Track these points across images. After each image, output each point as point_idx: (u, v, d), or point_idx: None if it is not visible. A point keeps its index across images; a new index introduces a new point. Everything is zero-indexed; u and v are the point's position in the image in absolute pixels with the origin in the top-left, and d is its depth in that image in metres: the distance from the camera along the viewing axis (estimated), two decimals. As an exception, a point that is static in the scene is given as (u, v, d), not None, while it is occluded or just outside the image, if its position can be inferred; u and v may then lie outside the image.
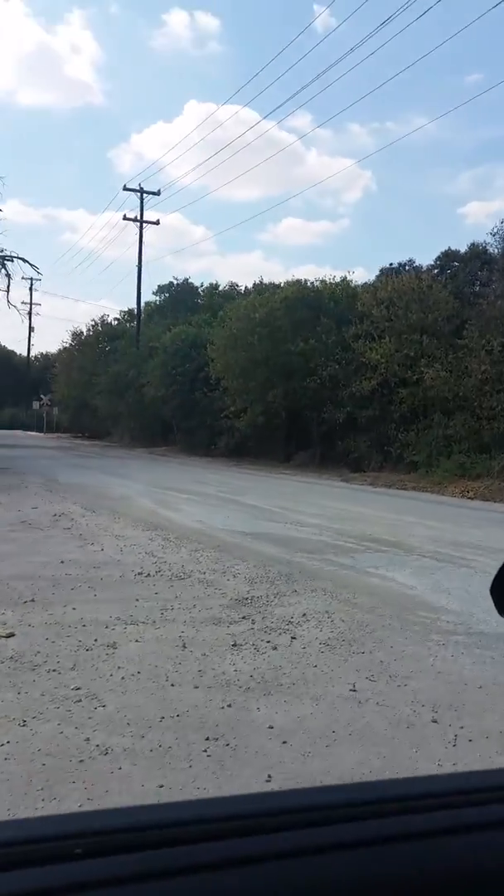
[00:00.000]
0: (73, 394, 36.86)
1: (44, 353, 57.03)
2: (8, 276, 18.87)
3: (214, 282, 37.22)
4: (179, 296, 35.82)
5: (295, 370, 18.11)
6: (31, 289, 53.01)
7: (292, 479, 15.87)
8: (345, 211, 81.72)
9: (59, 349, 41.41)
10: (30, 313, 52.96)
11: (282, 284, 18.84)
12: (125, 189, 32.41)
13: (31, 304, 52.94)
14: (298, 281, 18.81)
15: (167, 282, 37.25)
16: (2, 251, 18.73)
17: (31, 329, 56.64)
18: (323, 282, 18.90)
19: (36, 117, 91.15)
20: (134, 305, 32.61)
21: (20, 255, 18.70)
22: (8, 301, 18.59)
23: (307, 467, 19.44)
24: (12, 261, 18.90)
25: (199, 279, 59.63)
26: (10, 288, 22.08)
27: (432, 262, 19.71)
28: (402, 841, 0.53)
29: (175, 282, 35.90)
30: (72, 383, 36.45)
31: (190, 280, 37.31)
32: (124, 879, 0.46)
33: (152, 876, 0.46)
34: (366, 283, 18.25)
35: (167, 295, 37.38)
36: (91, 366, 33.44)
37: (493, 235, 17.41)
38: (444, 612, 4.57)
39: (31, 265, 19.97)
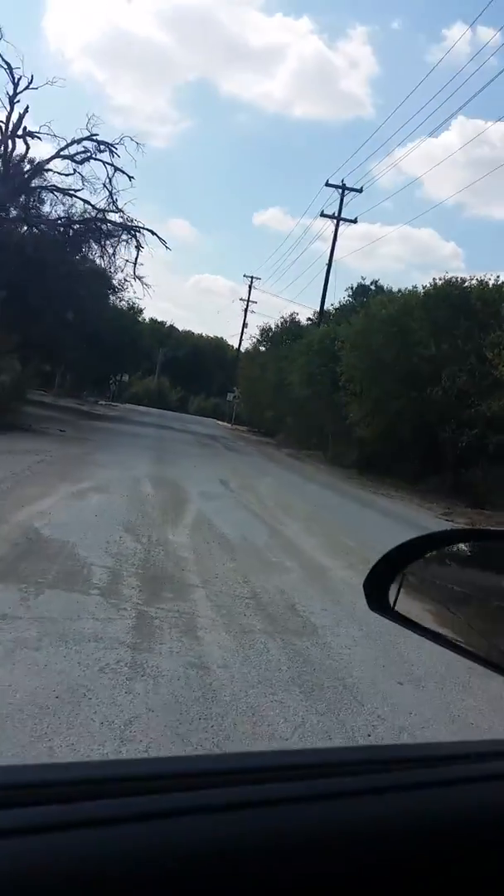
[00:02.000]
0: (253, 388, 37.34)
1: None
2: (138, 247, 19.41)
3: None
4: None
5: (424, 378, 15.55)
6: (250, 286, 55.50)
7: (392, 506, 13.59)
8: None
9: (250, 346, 42.30)
10: (245, 309, 55.45)
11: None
12: (327, 185, 31.68)
13: (248, 300, 55.40)
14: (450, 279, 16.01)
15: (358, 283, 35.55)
16: (132, 221, 19.18)
17: (244, 325, 59.19)
18: (479, 280, 15.84)
19: (306, 128, 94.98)
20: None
21: (149, 228, 19.33)
22: (134, 274, 19.19)
23: (436, 494, 16.72)
24: (141, 232, 19.38)
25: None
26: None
27: None
28: (403, 790, 0.55)
29: (363, 282, 33.99)
30: (253, 379, 36.92)
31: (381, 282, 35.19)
32: (120, 820, 0.46)
33: (152, 816, 0.47)
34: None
35: (364, 299, 35.72)
36: (272, 363, 33.42)
37: None
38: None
39: (159, 238, 20.25)
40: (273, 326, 37.96)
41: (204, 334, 71.41)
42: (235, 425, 42.71)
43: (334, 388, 20.57)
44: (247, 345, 54.11)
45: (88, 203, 18.97)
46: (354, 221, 32.51)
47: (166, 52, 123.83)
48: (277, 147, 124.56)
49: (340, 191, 31.73)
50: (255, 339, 40.43)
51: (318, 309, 33.82)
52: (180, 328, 71.14)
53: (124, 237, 19.44)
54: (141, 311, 36.92)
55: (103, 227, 19.33)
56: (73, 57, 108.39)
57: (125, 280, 22.00)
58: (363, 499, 13.05)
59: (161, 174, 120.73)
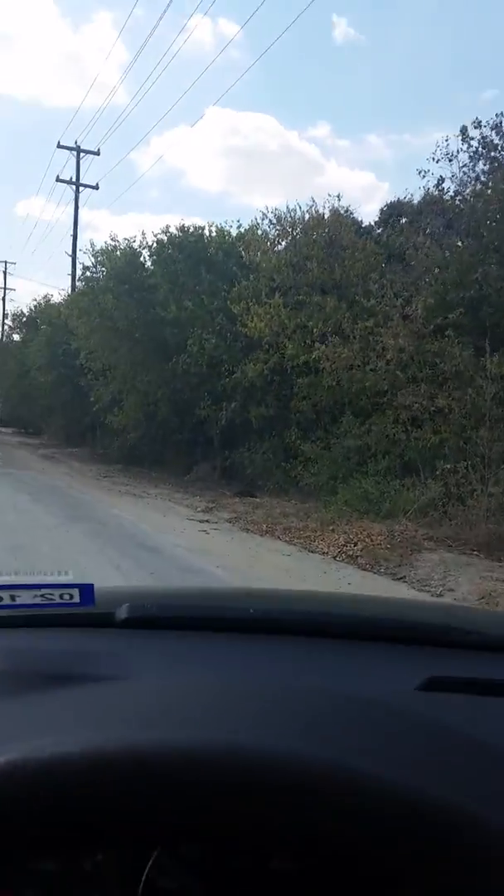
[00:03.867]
0: (8, 384, 32.32)
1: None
2: None
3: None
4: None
5: (170, 346, 12.84)
6: (4, 272, 49.08)
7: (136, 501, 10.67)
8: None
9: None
10: (3, 298, 48.93)
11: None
12: (59, 147, 27.66)
13: (4, 288, 48.94)
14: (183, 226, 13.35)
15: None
16: None
17: (4, 316, 52.54)
18: (218, 229, 13.41)
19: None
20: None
21: None
22: None
23: (204, 484, 14.23)
24: None
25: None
26: None
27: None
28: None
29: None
30: (8, 373, 31.89)
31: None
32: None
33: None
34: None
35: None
36: (19, 351, 28.86)
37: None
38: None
39: None
40: (26, 311, 33.15)
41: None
42: (1, 429, 37.14)
43: (81, 371, 17.15)
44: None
45: None
46: (95, 187, 28.92)
47: None
48: (31, 136, 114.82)
49: (76, 153, 27.91)
50: (9, 329, 35.21)
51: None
52: None
53: None
54: None
55: None
56: None
57: None
58: (95, 505, 10.00)
59: None
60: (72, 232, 27.65)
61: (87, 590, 0.78)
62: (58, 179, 27.95)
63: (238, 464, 13.12)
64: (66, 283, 23.26)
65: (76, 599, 0.78)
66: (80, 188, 27.95)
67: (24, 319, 32.69)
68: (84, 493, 11.37)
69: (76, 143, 27.60)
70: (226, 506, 10.94)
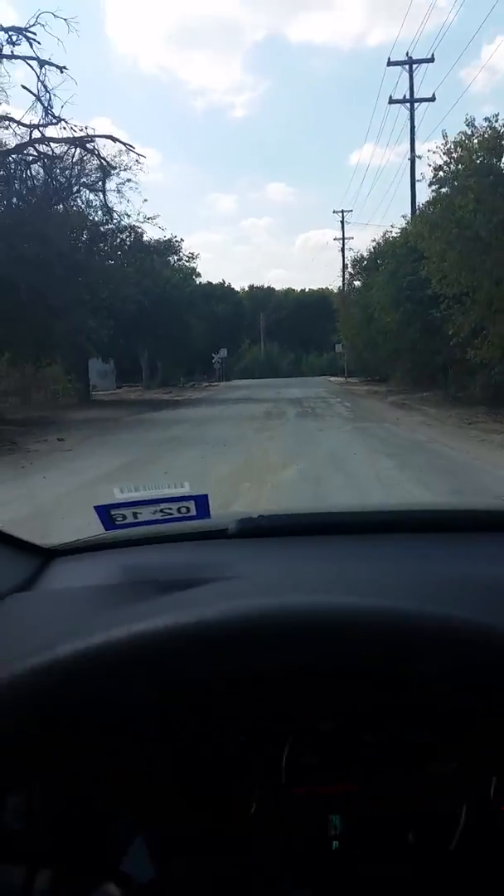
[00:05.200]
0: (354, 334, 31.92)
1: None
2: (104, 168, 14.49)
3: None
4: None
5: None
6: (342, 221, 49.22)
7: None
8: None
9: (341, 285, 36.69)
10: (342, 248, 49.17)
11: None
12: (389, 65, 25.14)
13: (343, 238, 49.12)
14: None
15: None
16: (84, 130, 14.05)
17: (344, 266, 52.83)
18: None
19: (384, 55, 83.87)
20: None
21: (106, 135, 13.83)
22: (106, 203, 14.09)
23: None
24: (94, 144, 14.07)
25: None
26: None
27: None
28: None
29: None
30: (351, 321, 31.48)
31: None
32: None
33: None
34: None
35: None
36: (371, 295, 27.80)
37: None
38: None
39: (125, 145, 14.71)
40: (365, 255, 32.05)
41: (307, 289, 66.00)
42: (348, 378, 37.44)
43: (431, 302, 14.93)
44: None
45: (13, 121, 13.05)
46: (432, 99, 25.63)
47: (231, 20, 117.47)
48: (360, 81, 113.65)
49: (408, 67, 25.06)
50: (349, 275, 34.69)
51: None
52: (296, 289, 66.18)
53: (90, 168, 14.45)
54: (192, 272, 32.31)
55: (45, 148, 13.67)
56: (141, 52, 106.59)
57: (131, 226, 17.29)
58: (476, 468, 7.78)
59: (249, 143, 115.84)
60: (408, 156, 25.26)
61: (202, 501, 0.81)
62: (391, 101, 25.71)
63: None
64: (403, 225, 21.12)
65: (192, 512, 0.82)
66: (415, 105, 25.17)
67: (365, 263, 31.69)
68: (453, 448, 9.27)
69: (408, 54, 24.81)
70: None
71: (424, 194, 22.69)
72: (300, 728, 0.56)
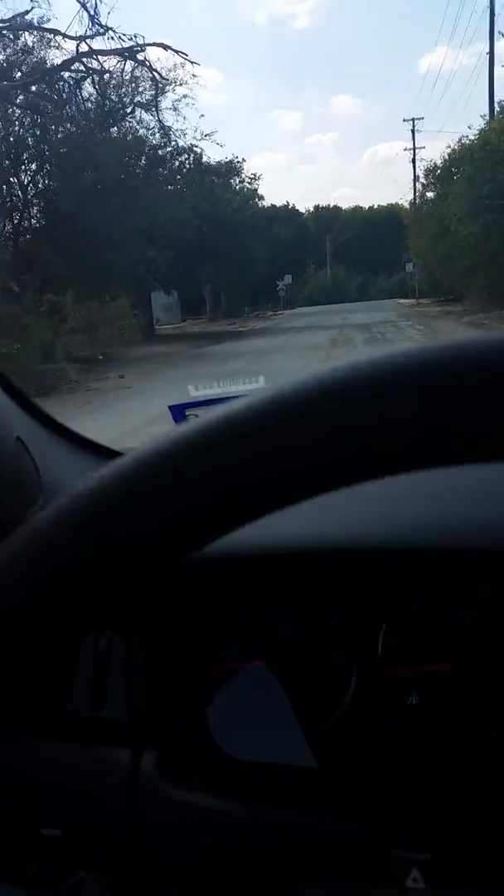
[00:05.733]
0: (427, 250, 29.95)
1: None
2: (157, 81, 13.10)
3: None
4: None
5: None
6: (413, 130, 45.76)
7: None
8: None
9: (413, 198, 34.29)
10: (413, 160, 45.78)
11: None
12: None
13: (413, 148, 45.73)
14: None
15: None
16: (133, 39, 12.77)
17: (415, 178, 49.26)
18: None
19: None
20: None
21: (156, 42, 12.45)
22: (158, 118, 12.71)
23: None
24: (144, 54, 12.59)
25: None
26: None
27: None
28: None
29: None
30: (424, 237, 29.48)
31: None
32: None
33: None
34: None
35: None
36: (446, 206, 25.76)
37: None
38: None
39: (177, 52, 13.26)
40: (439, 164, 29.55)
41: (375, 206, 62.32)
42: (420, 300, 35.53)
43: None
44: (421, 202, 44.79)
45: (59, 34, 11.86)
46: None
47: None
48: None
49: None
50: (421, 187, 32.26)
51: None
52: (364, 207, 62.72)
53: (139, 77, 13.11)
54: (254, 194, 30.84)
55: (95, 63, 12.40)
56: None
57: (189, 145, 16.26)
58: None
59: (313, 54, 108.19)
60: (487, 50, 22.63)
61: None
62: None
63: None
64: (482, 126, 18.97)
65: None
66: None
67: (438, 172, 29.27)
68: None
69: None
70: None
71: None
72: (396, 607, 0.57)
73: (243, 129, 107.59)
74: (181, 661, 0.57)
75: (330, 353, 12.92)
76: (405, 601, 0.57)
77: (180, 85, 14.38)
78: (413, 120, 44.14)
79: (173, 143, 16.91)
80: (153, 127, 15.88)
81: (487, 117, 19.53)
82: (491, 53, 21.92)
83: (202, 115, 22.06)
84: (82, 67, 11.90)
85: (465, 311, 23.36)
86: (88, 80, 12.31)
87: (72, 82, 12.05)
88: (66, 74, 11.90)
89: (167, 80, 13.71)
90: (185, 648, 0.57)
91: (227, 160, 28.84)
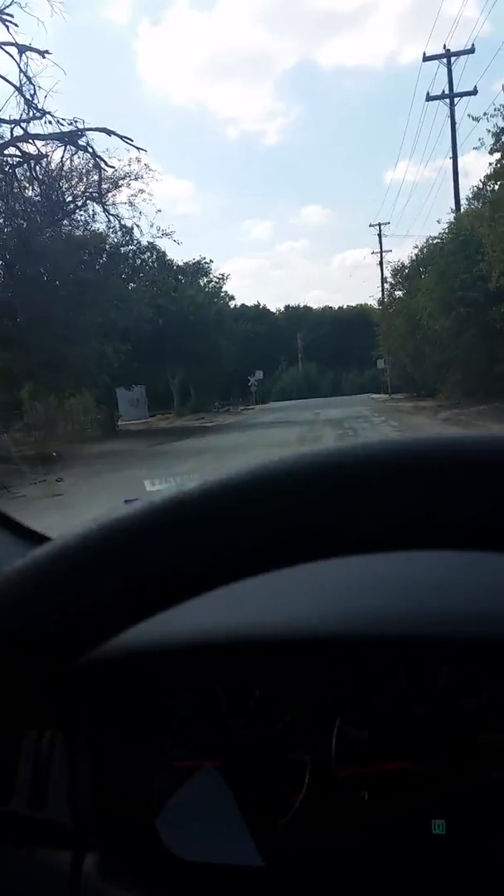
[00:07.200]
0: (398, 346, 29.84)
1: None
2: (98, 165, 12.48)
3: None
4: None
5: None
6: (379, 234, 47.54)
7: None
8: None
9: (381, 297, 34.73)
10: (381, 262, 47.24)
11: None
12: (425, 60, 23.29)
13: (381, 251, 47.31)
14: None
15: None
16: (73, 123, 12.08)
17: (383, 279, 50.76)
18: None
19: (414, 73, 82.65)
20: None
21: (99, 127, 11.89)
22: (101, 203, 12.07)
23: None
24: (86, 139, 12.29)
25: None
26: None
27: None
28: None
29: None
30: (395, 334, 29.44)
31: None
32: None
33: None
34: None
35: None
36: (416, 302, 25.69)
37: None
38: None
39: (122, 138, 12.72)
40: (406, 263, 30.01)
41: (345, 306, 64.13)
42: (392, 395, 35.16)
43: (490, 302, 12.81)
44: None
45: None
46: (474, 93, 23.59)
47: (259, 50, 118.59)
48: (393, 100, 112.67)
49: (445, 61, 23.16)
50: (389, 286, 32.64)
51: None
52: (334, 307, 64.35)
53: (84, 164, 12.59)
54: (218, 291, 30.76)
55: (26, 146, 11.72)
56: (172, 87, 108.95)
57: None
58: None
59: (283, 168, 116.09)
60: (450, 154, 23.34)
61: None
62: (428, 97, 23.78)
63: None
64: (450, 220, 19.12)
65: None
66: (455, 100, 23.23)
67: (406, 272, 29.67)
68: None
69: (445, 47, 22.92)
70: None
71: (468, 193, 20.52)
72: (349, 703, 0.56)
73: (217, 237, 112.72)
74: (130, 760, 0.55)
75: (298, 451, 11.71)
76: (359, 695, 0.55)
77: (135, 179, 13.87)
78: (379, 225, 45.93)
79: (136, 241, 16.38)
80: (113, 224, 15.29)
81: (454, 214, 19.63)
82: (455, 158, 22.49)
83: (159, 211, 22.00)
84: (17, 152, 11.23)
85: (441, 407, 22.65)
86: (27, 166, 11.58)
87: (7, 168, 11.29)
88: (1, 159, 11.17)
89: (112, 166, 13.20)
90: (134, 747, 0.55)
91: (194, 261, 28.85)
